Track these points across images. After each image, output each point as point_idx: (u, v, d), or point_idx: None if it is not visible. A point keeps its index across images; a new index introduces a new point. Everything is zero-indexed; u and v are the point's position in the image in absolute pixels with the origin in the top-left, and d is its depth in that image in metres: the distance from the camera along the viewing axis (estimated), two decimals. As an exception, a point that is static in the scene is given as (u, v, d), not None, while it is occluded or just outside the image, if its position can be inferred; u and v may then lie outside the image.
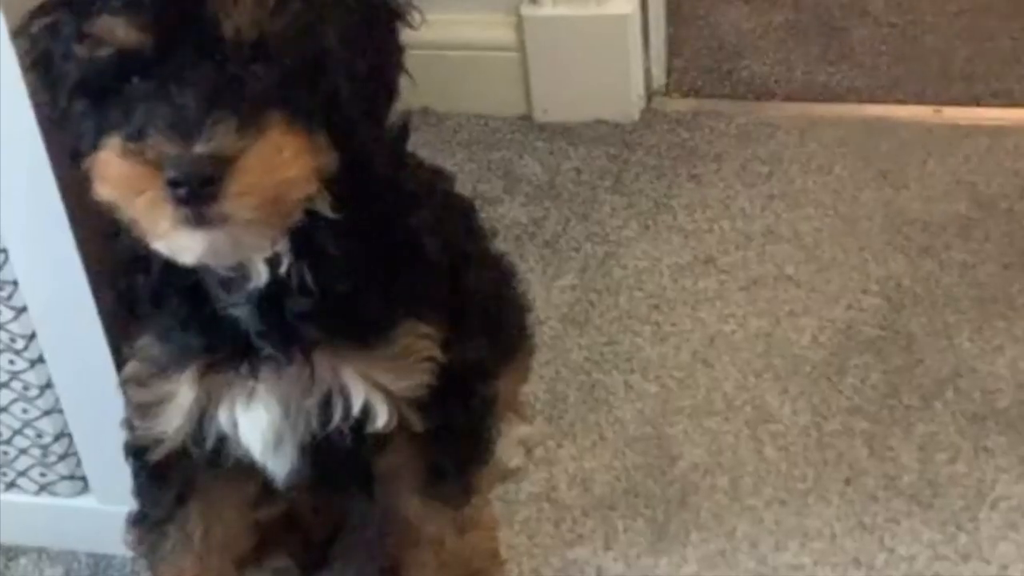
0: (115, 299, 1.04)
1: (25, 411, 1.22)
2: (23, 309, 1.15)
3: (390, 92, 0.96)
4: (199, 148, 0.82)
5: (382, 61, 0.94)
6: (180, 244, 0.87)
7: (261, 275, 0.95)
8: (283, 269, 0.95)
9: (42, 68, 0.92)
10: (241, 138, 0.83)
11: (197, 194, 0.83)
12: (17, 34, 0.96)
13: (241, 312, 0.96)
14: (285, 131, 0.86)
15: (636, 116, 1.84)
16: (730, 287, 1.57)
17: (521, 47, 1.81)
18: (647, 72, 1.85)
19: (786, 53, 1.94)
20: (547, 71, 1.82)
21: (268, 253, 0.94)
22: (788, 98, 1.86)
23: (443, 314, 1.05)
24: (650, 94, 1.87)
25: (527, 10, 1.78)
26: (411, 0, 0.97)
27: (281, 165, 0.85)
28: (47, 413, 1.22)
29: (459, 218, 1.21)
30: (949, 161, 1.72)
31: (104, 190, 0.87)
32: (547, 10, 1.77)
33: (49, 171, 1.05)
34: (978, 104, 1.82)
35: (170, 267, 0.94)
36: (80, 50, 0.87)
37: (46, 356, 1.18)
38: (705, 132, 1.81)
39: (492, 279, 1.26)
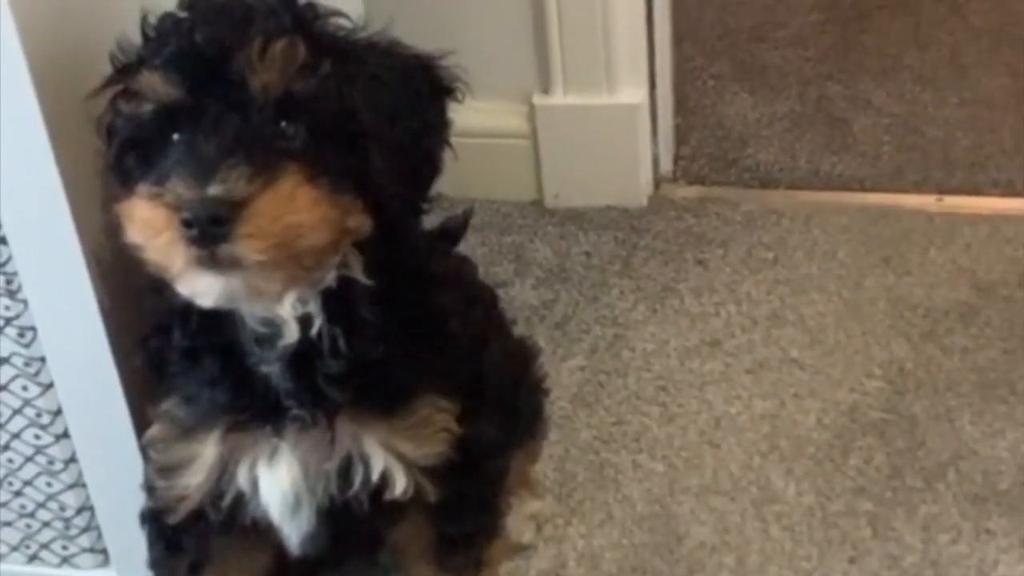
0: (144, 360, 1.08)
1: (49, 485, 1.25)
2: (50, 385, 1.18)
3: (432, 165, 1.00)
4: (211, 191, 0.87)
5: (424, 133, 0.99)
6: (195, 284, 0.92)
7: (293, 333, 0.99)
8: (315, 330, 0.99)
9: (107, 134, 0.98)
10: (253, 184, 0.88)
11: (208, 234, 0.87)
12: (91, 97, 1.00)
13: (272, 370, 1.00)
14: (300, 182, 0.90)
15: (644, 202, 1.88)
16: (736, 369, 1.60)
17: (533, 135, 1.85)
18: (655, 160, 1.90)
19: (790, 142, 1.98)
20: (558, 158, 1.86)
21: (284, 300, 0.97)
22: (793, 186, 1.91)
23: (461, 390, 1.08)
24: (658, 181, 1.91)
25: (539, 99, 1.83)
26: (459, 75, 1.02)
27: (291, 212, 0.89)
28: (71, 487, 1.25)
29: (481, 304, 1.25)
30: (950, 248, 1.75)
31: (131, 232, 0.92)
32: (558, 99, 1.82)
33: (79, 250, 1.09)
34: (979, 193, 1.86)
35: (206, 322, 0.99)
36: (126, 107, 0.94)
37: (71, 431, 1.21)
38: (712, 218, 1.85)
39: (512, 362, 1.30)
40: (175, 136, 0.92)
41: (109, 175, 0.99)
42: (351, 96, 0.93)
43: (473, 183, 1.86)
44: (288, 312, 0.98)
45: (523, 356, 1.37)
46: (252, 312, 0.98)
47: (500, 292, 1.69)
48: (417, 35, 1.83)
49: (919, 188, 1.87)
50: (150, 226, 0.90)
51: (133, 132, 0.94)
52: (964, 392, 1.54)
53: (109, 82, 0.97)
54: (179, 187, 0.88)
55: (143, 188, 0.91)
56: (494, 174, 1.88)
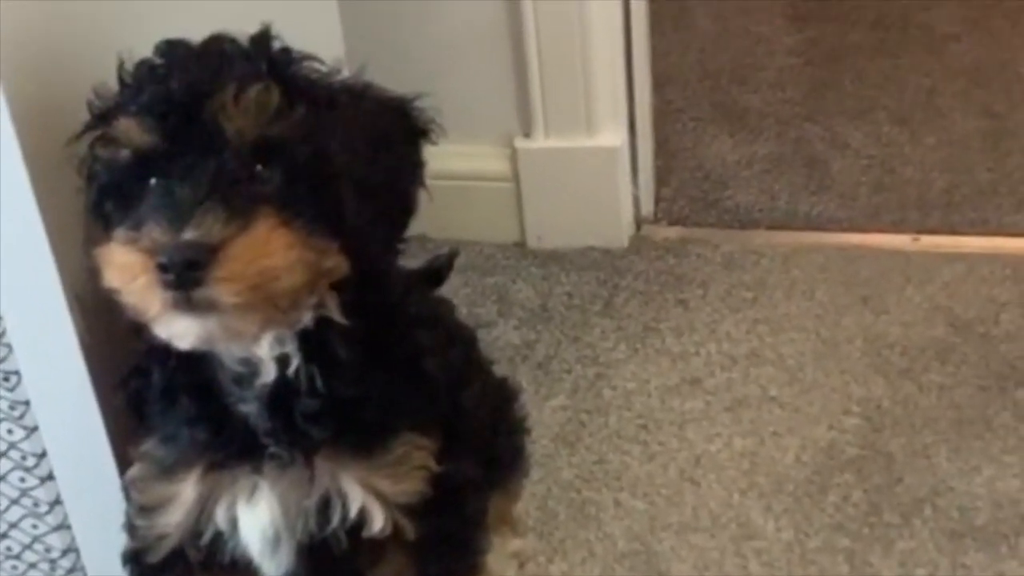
0: (125, 401, 1.09)
1: (35, 527, 1.26)
2: (35, 429, 1.19)
3: (407, 206, 1.02)
4: (186, 235, 0.89)
5: (399, 175, 1.01)
6: (172, 327, 0.93)
7: (270, 373, 1.00)
8: (292, 369, 1.01)
9: (87, 179, 1.00)
10: (228, 228, 0.89)
11: (183, 278, 0.89)
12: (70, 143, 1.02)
13: (250, 409, 1.02)
14: (275, 225, 0.92)
15: (625, 243, 1.91)
16: (716, 408, 1.62)
17: (515, 177, 1.88)
18: (636, 201, 1.93)
19: (770, 183, 2.01)
20: (540, 200, 1.89)
21: (262, 341, 0.98)
22: (772, 227, 1.93)
23: (439, 428, 1.10)
24: (639, 222, 1.94)
25: (521, 143, 1.85)
26: (433, 116, 1.03)
27: (266, 255, 0.91)
28: (56, 529, 1.26)
29: (460, 344, 1.27)
30: (927, 287, 1.78)
31: (109, 276, 0.93)
32: (540, 143, 1.85)
33: (62, 294, 1.11)
34: (955, 232, 1.88)
35: (185, 363, 1.00)
36: (104, 153, 0.96)
37: (56, 474, 1.22)
38: (692, 259, 1.87)
39: (492, 402, 1.32)
40: (152, 181, 0.93)
41: (89, 218, 1.01)
42: (326, 139, 0.95)
43: (457, 225, 1.89)
44: (266, 352, 1.00)
45: (503, 396, 1.38)
46: (230, 352, 1.00)
47: (483, 333, 1.72)
48: (400, 80, 1.86)
49: (896, 228, 1.90)
50: (127, 270, 0.91)
51: (111, 177, 0.96)
52: (940, 429, 1.56)
53: (87, 128, 0.99)
54: (155, 232, 0.90)
55: (120, 233, 0.93)
56: (477, 216, 1.90)
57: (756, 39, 2.33)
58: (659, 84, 2.05)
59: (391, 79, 1.75)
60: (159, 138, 0.93)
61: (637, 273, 1.85)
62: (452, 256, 1.50)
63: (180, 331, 0.93)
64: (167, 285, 0.89)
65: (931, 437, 1.55)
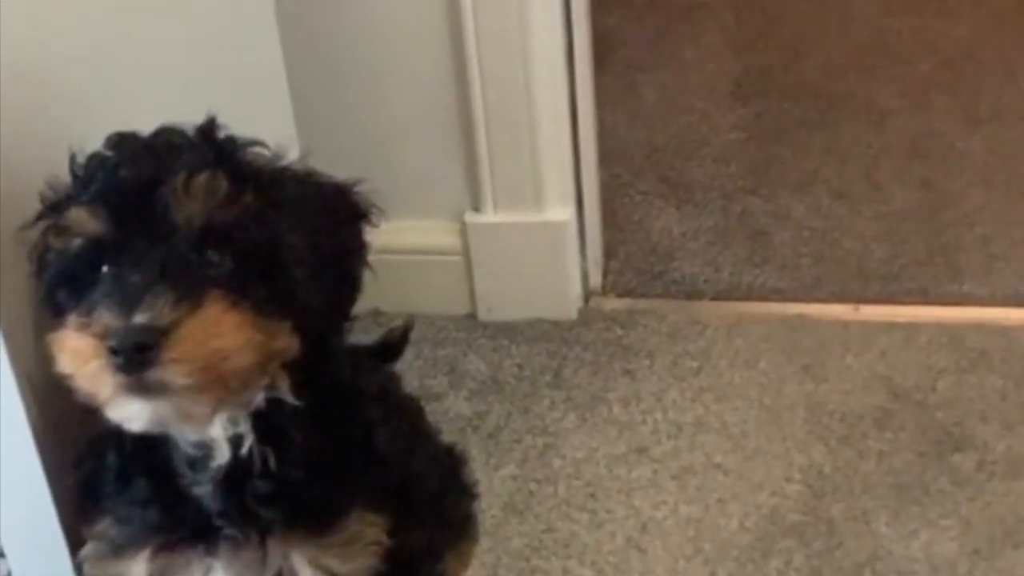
0: (78, 482, 1.11)
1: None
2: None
3: (352, 286, 1.06)
4: (136, 319, 0.91)
5: (344, 256, 1.05)
6: (124, 410, 0.95)
7: (224, 454, 1.03)
8: (245, 450, 1.03)
9: (38, 266, 1.03)
10: (177, 310, 0.92)
11: (134, 361, 0.91)
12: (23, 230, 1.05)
13: (204, 491, 1.05)
14: (226, 308, 0.95)
15: (574, 315, 1.95)
16: (662, 476, 1.66)
17: (466, 251, 1.92)
18: (584, 274, 1.97)
19: (714, 255, 2.05)
20: (490, 273, 1.93)
21: (215, 423, 1.01)
22: (716, 297, 1.98)
23: (391, 502, 1.13)
24: (587, 294, 1.98)
25: (470, 217, 1.90)
26: (373, 200, 1.08)
27: (216, 337, 0.94)
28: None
29: (406, 414, 1.30)
30: (866, 356, 1.83)
31: (61, 361, 0.96)
32: (489, 217, 1.89)
33: (12, 376, 1.11)
34: (893, 302, 1.94)
35: (138, 445, 1.03)
36: (56, 242, 0.99)
37: (6, 551, 1.22)
38: (639, 330, 1.91)
39: (439, 470, 1.35)
40: (103, 269, 0.96)
41: (41, 305, 1.04)
42: (273, 223, 0.99)
43: (408, 298, 1.92)
44: (219, 434, 1.03)
45: (451, 462, 1.42)
46: (183, 435, 1.03)
47: (435, 404, 1.76)
48: (352, 158, 1.91)
49: (836, 298, 1.95)
50: (79, 355, 0.94)
51: (63, 265, 0.99)
52: (880, 494, 1.61)
53: (39, 217, 1.02)
54: (105, 316, 0.92)
55: (72, 319, 0.96)
56: (429, 289, 1.94)
57: (701, 114, 2.38)
58: (607, 159, 2.11)
59: (343, 157, 1.80)
60: (110, 226, 0.96)
61: (586, 344, 1.89)
62: (406, 330, 1.54)
63: (132, 414, 0.96)
64: (118, 368, 0.92)
65: (870, 503, 1.60)
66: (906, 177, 2.19)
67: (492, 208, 1.88)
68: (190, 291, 0.94)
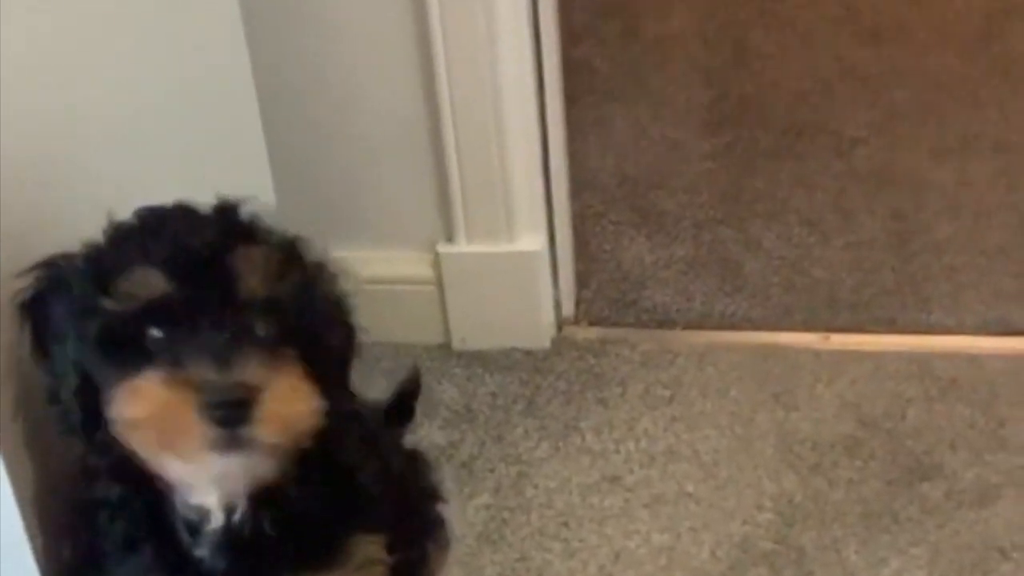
0: (74, 552, 1.12)
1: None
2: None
3: (354, 351, 1.13)
4: (235, 375, 0.95)
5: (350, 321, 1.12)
6: (203, 466, 0.99)
7: (219, 519, 1.05)
8: (238, 517, 1.06)
9: (43, 331, 1.04)
10: (266, 372, 0.96)
11: (231, 416, 0.95)
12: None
13: (204, 553, 1.07)
14: (298, 371, 1.00)
15: (547, 344, 1.96)
16: (634, 504, 1.67)
17: (439, 281, 1.93)
18: (557, 303, 1.98)
19: (686, 284, 2.07)
20: (463, 303, 1.94)
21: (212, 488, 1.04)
22: (688, 326, 1.99)
23: (383, 521, 1.17)
24: (560, 323, 1.99)
25: (443, 248, 1.91)
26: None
27: (298, 400, 0.99)
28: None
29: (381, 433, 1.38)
30: (836, 384, 1.84)
31: (137, 413, 0.97)
32: (462, 248, 1.90)
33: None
34: (863, 331, 1.95)
35: (142, 511, 1.05)
36: (108, 303, 0.99)
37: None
38: (611, 358, 1.93)
39: (406, 476, 1.40)
40: (155, 330, 0.98)
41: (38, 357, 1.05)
42: (315, 296, 1.05)
43: (382, 328, 1.88)
44: (213, 502, 1.05)
45: (413, 467, 1.47)
46: (183, 498, 1.05)
47: (409, 434, 1.76)
48: (327, 191, 1.94)
49: (806, 327, 1.97)
50: (166, 406, 0.96)
51: (117, 323, 0.99)
52: (850, 523, 1.62)
53: (86, 280, 1.02)
54: (203, 371, 0.95)
55: (152, 372, 0.97)
56: (402, 319, 1.95)
57: (673, 144, 2.40)
58: (579, 188, 2.12)
59: (316, 190, 1.82)
60: (174, 289, 0.98)
61: (558, 373, 1.90)
62: (416, 386, 1.64)
63: (212, 468, 0.99)
64: (216, 422, 0.95)
65: (841, 531, 1.61)
66: (875, 206, 2.21)
67: (465, 239, 1.89)
68: (269, 355, 0.98)
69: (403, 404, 1.62)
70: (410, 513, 1.33)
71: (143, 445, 0.99)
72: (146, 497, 1.05)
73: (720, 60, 2.64)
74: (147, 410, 0.97)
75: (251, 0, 1.49)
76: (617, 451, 1.76)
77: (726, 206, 2.24)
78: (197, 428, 0.95)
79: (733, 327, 1.99)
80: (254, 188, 1.50)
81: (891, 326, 1.96)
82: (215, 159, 1.40)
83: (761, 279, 2.07)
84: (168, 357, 0.97)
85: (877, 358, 1.89)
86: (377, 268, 1.89)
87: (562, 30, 1.87)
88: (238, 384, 0.95)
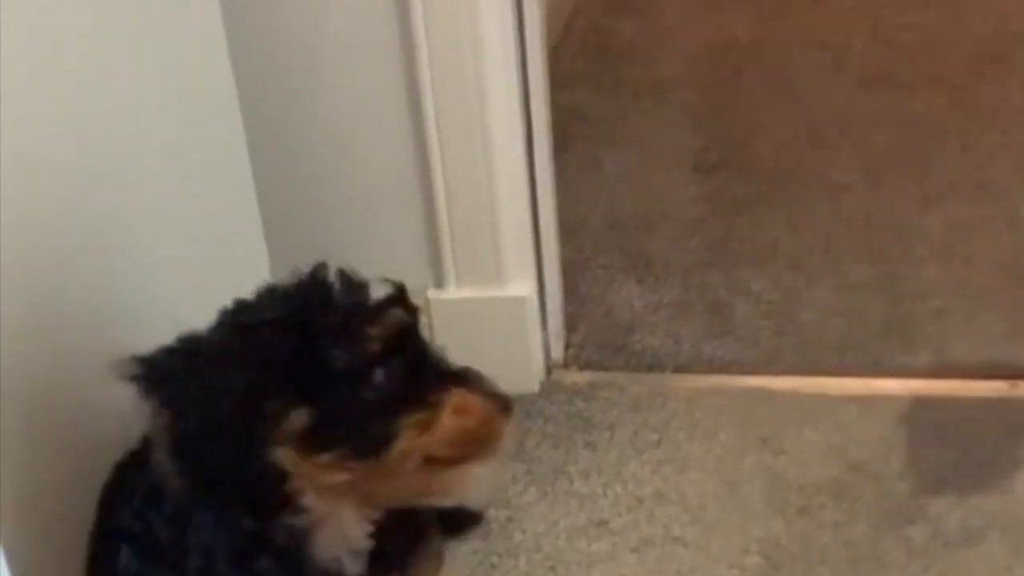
0: None
1: None
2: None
3: None
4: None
5: None
6: (487, 470, 1.15)
7: (356, 566, 1.16)
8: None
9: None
10: None
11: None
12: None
13: None
14: None
15: (536, 388, 1.97)
16: (622, 548, 1.68)
17: (428, 326, 1.93)
18: (546, 347, 2.00)
19: (675, 328, 2.08)
20: (453, 348, 1.92)
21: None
22: (677, 370, 2.01)
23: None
24: (549, 367, 2.01)
25: (433, 293, 1.93)
26: None
27: None
28: None
29: None
30: (822, 428, 1.86)
31: (456, 427, 1.15)
32: (451, 293, 1.92)
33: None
34: (848, 374, 1.97)
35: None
36: (347, 350, 1.11)
37: None
38: (600, 402, 1.94)
39: None
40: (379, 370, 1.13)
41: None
42: None
43: (373, 372, 1.93)
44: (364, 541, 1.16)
45: None
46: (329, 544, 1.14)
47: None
48: (317, 237, 1.95)
49: (794, 370, 1.98)
50: (486, 415, 1.16)
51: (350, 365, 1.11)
52: (836, 566, 1.63)
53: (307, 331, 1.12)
54: (485, 386, 1.19)
55: (462, 390, 1.17)
56: (393, 363, 1.96)
57: (662, 188, 2.43)
58: (569, 233, 2.14)
59: (306, 236, 1.84)
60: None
61: (547, 417, 1.92)
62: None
63: (489, 473, 1.17)
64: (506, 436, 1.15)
65: (827, 574, 1.62)
66: (861, 251, 2.23)
67: (454, 284, 1.91)
68: None
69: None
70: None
71: (435, 464, 1.13)
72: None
73: (709, 106, 2.67)
74: (469, 422, 1.14)
75: (242, 57, 1.51)
76: (605, 495, 1.77)
77: (715, 250, 2.26)
78: (505, 430, 1.14)
79: (722, 370, 2.00)
80: (245, 236, 1.54)
81: (877, 369, 1.98)
82: (207, 210, 1.43)
83: (749, 323, 2.09)
84: (452, 380, 1.17)
85: (863, 401, 1.90)
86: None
87: (553, 77, 1.90)
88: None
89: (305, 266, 1.18)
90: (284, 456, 1.07)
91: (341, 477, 1.09)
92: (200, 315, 1.13)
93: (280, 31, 1.77)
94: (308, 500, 1.10)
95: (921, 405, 1.88)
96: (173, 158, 1.40)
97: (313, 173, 1.86)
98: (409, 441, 1.11)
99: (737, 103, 2.68)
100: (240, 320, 1.12)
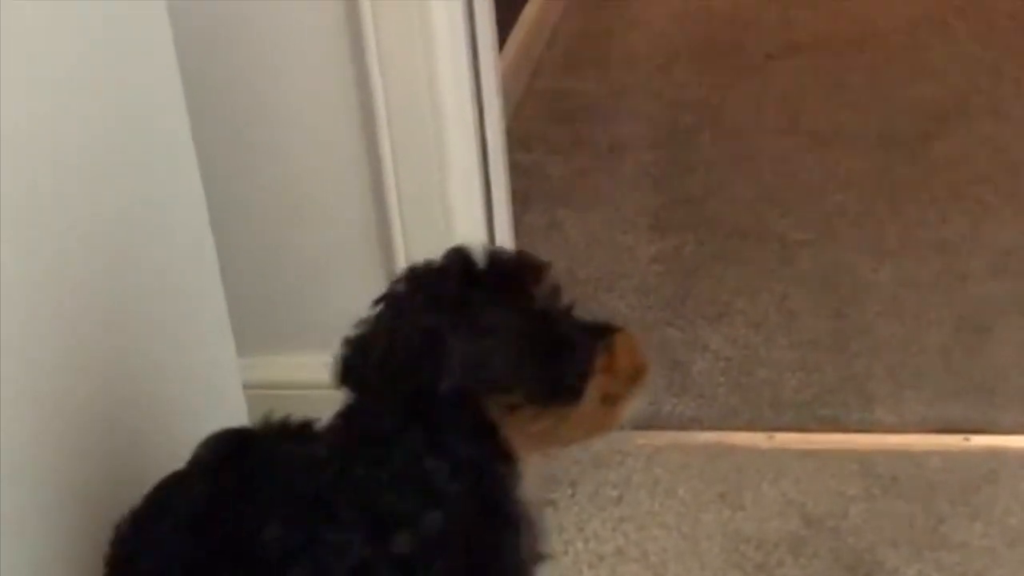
0: None
1: None
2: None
3: None
4: None
5: None
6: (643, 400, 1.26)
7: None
8: None
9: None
10: None
11: None
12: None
13: None
14: None
15: (498, 446, 1.98)
16: (583, 606, 1.69)
17: (390, 386, 1.96)
18: (507, 405, 2.01)
19: (635, 385, 2.10)
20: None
21: None
22: (637, 427, 2.01)
23: None
24: (510, 426, 2.02)
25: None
26: None
27: None
28: None
29: None
30: (781, 483, 1.88)
31: (625, 363, 1.25)
32: (413, 352, 1.93)
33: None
34: (806, 430, 1.99)
35: None
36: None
37: None
38: (561, 460, 1.95)
39: None
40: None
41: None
42: None
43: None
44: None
45: None
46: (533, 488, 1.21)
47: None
48: (277, 296, 1.95)
49: (752, 426, 2.01)
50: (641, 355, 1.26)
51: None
52: (794, 620, 1.65)
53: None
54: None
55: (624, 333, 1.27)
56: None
57: (622, 248, 2.46)
58: (530, 292, 2.16)
59: (268, 295, 1.84)
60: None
61: (509, 475, 1.93)
62: None
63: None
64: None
65: (785, 628, 1.64)
66: (818, 308, 2.26)
67: (416, 343, 1.92)
68: None
69: None
70: None
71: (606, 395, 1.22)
72: None
73: (667, 166, 2.72)
74: (634, 359, 1.25)
75: (199, 119, 1.53)
76: (566, 552, 1.78)
77: (673, 308, 2.28)
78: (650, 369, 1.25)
79: (680, 427, 2.02)
80: (204, 295, 1.55)
81: (834, 424, 2.01)
82: (163, 264, 1.44)
83: (708, 379, 2.11)
84: (604, 325, 1.25)
85: (820, 456, 1.92)
86: (327, 373, 1.91)
87: (514, 137, 1.94)
88: None
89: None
90: (495, 411, 1.14)
91: (544, 424, 1.16)
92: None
93: (239, 92, 1.80)
94: (517, 450, 1.16)
95: (877, 460, 1.90)
96: (126, 215, 1.39)
97: (271, 233, 1.88)
98: (598, 383, 1.20)
99: (694, 163, 2.73)
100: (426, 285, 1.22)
